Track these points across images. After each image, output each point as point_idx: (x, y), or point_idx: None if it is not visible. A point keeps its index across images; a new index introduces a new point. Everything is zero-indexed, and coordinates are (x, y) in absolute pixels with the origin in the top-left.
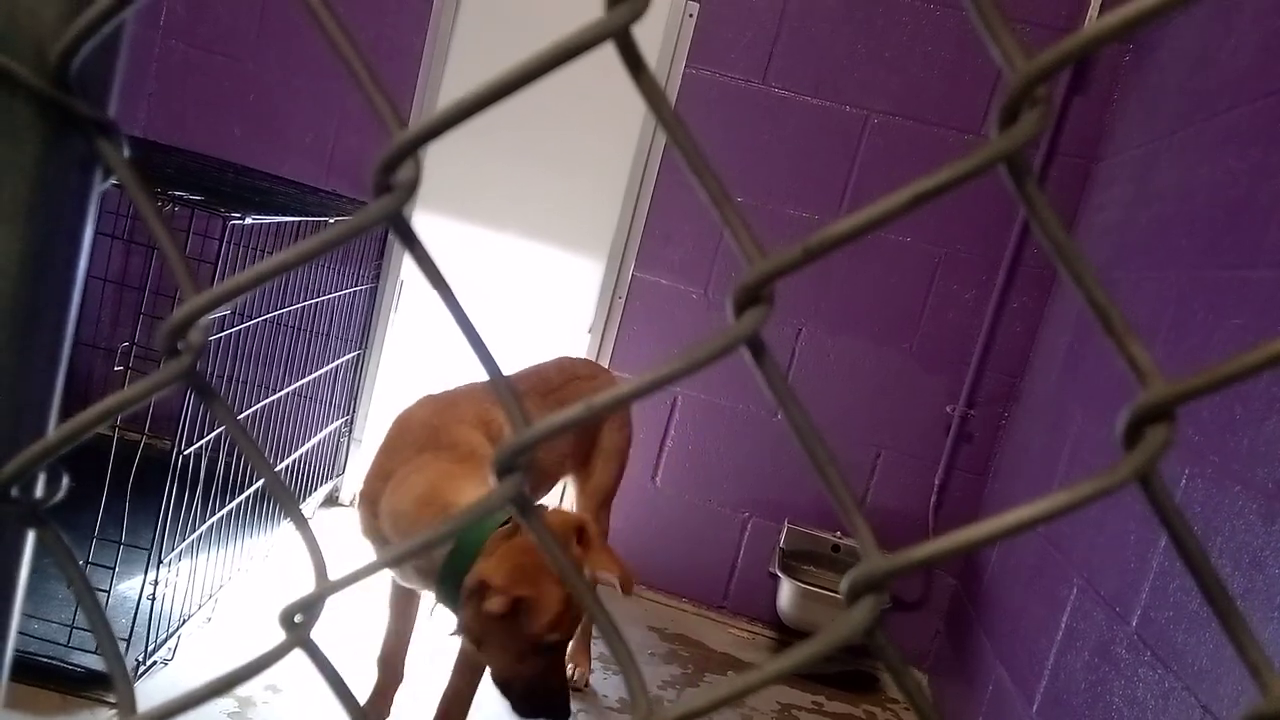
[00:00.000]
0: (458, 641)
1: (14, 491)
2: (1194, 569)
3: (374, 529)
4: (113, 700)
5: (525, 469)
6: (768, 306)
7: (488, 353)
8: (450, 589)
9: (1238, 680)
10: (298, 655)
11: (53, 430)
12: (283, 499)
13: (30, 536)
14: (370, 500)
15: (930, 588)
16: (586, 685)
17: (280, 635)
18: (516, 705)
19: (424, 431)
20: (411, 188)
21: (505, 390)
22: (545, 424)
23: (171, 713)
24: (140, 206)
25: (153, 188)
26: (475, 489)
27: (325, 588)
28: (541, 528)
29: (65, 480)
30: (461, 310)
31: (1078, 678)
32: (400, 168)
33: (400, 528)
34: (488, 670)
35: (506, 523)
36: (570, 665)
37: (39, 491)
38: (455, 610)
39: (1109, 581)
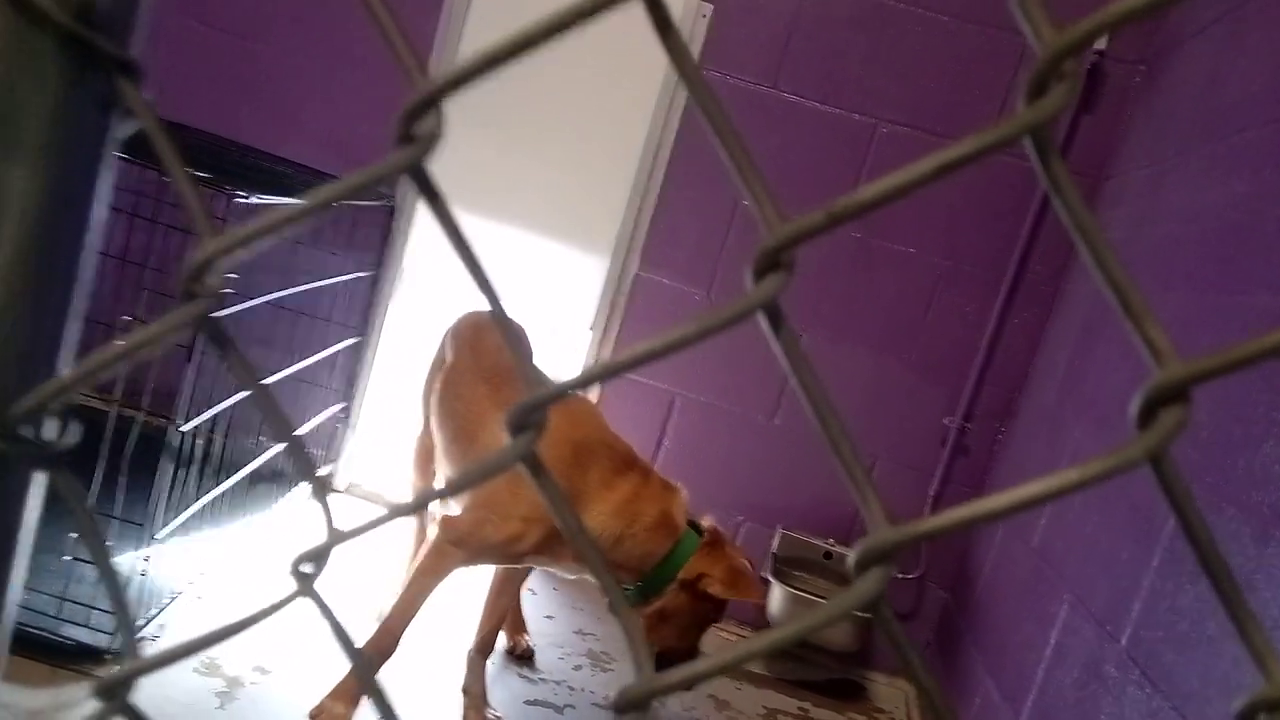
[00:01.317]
0: None
1: (24, 431)
2: (1202, 554)
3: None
4: (101, 674)
5: (537, 427)
6: (788, 274)
7: (506, 316)
8: (658, 580)
9: (1226, 702)
10: (288, 633)
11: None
12: (294, 451)
13: (37, 489)
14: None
15: (921, 599)
16: (532, 654)
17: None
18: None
19: (605, 451)
20: (434, 139)
21: (518, 349)
22: (561, 383)
23: (171, 659)
24: (158, 146)
25: (158, 162)
26: (671, 498)
27: (335, 536)
28: (551, 485)
29: (79, 428)
30: (480, 267)
31: (1066, 694)
32: (424, 118)
33: (630, 549)
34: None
35: (700, 534)
36: (513, 640)
37: (51, 436)
38: (641, 598)
39: (1100, 599)
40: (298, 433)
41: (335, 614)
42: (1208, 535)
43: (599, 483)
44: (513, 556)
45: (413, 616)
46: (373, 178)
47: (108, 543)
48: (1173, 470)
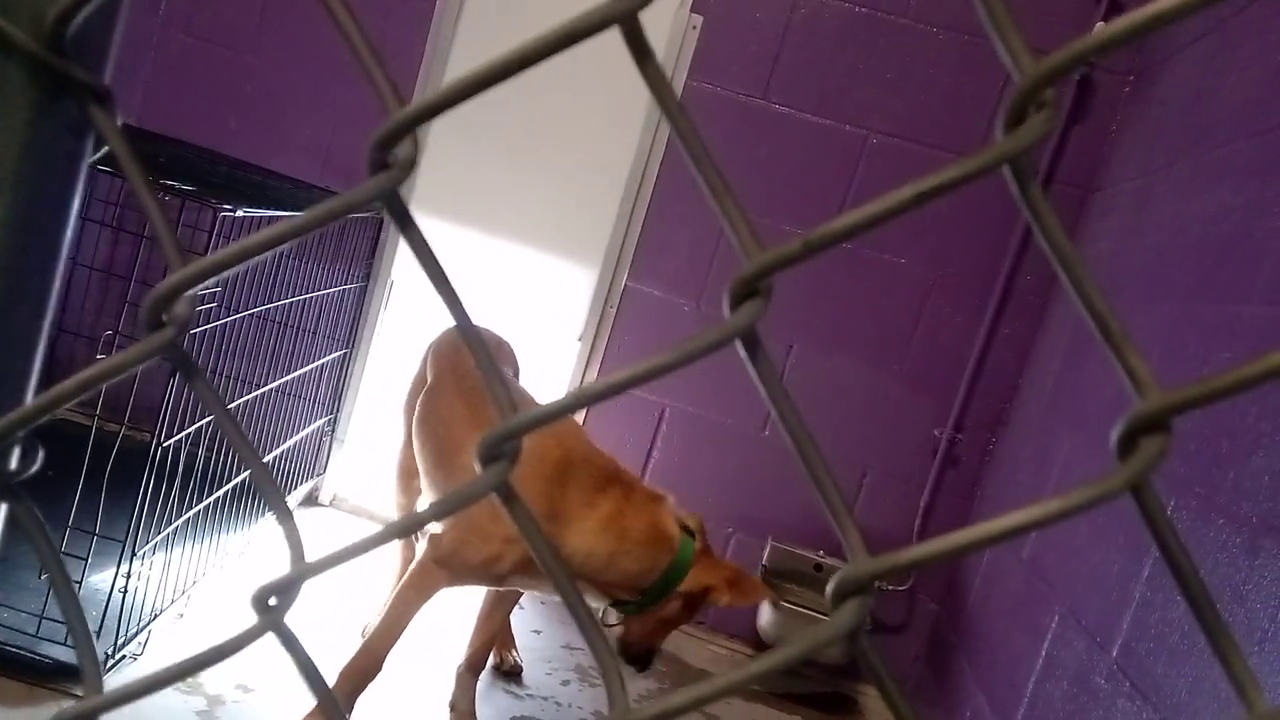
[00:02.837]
0: None
1: None
2: (1183, 582)
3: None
4: (80, 693)
5: (510, 457)
6: (765, 301)
7: (480, 341)
8: (657, 592)
9: (1215, 713)
10: (270, 651)
11: (30, 401)
12: (260, 478)
13: (1, 517)
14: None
15: (912, 612)
16: (519, 670)
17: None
18: (633, 660)
19: (586, 467)
20: (409, 165)
21: (494, 378)
22: (532, 413)
23: (137, 694)
24: (128, 174)
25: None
26: (657, 508)
27: (302, 570)
28: (525, 514)
29: (40, 455)
30: (456, 299)
31: (1056, 707)
32: (398, 145)
33: (626, 566)
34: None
35: (693, 538)
36: (500, 656)
37: (12, 464)
38: (637, 609)
39: (1090, 611)
40: (275, 453)
41: (303, 650)
42: (1189, 563)
43: (581, 501)
44: (493, 578)
45: (397, 636)
46: (347, 205)
47: (85, 559)
48: (1154, 499)
